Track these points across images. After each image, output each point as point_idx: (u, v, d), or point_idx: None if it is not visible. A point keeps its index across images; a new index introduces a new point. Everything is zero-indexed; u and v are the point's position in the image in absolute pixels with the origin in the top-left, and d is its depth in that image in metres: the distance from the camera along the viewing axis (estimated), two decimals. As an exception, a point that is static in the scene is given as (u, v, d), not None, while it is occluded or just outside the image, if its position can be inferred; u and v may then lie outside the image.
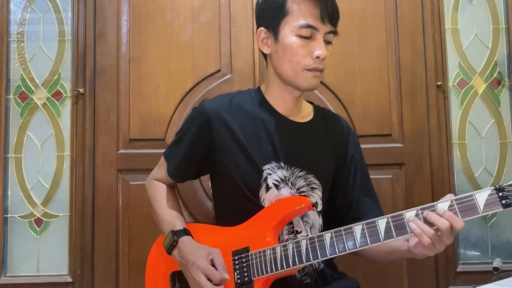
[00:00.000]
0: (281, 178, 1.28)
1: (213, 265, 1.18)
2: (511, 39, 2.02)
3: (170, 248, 1.26)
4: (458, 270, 1.93)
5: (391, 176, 1.93)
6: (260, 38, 1.29)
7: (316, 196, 1.31)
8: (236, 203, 1.30)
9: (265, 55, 1.34)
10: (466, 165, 1.99)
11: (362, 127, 1.94)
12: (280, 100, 1.32)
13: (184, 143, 1.35)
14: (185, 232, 1.28)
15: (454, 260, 1.93)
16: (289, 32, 1.22)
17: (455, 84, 2.02)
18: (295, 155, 1.30)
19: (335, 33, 1.25)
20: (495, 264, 1.83)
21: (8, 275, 1.91)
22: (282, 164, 1.28)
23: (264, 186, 1.27)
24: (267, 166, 1.27)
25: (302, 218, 1.29)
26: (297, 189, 1.29)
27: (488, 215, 1.95)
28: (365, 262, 1.86)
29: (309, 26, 1.20)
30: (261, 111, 1.32)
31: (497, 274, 1.80)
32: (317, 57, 1.21)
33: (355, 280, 1.39)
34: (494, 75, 2.02)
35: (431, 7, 2.00)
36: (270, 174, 1.27)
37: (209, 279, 1.16)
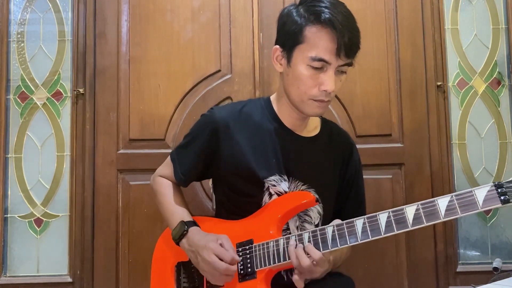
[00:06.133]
0: (284, 190, 1.30)
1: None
2: (511, 39, 2.02)
3: (180, 237, 1.27)
4: (458, 270, 1.93)
5: (391, 176, 1.93)
6: (275, 56, 1.29)
7: (315, 210, 1.33)
8: (238, 207, 1.32)
9: None
10: (466, 165, 1.99)
11: (362, 127, 1.94)
12: (288, 115, 1.34)
13: (192, 150, 1.37)
14: (194, 223, 1.31)
15: (454, 260, 1.93)
16: (301, 60, 1.21)
17: (455, 84, 2.02)
18: (298, 169, 1.31)
19: (350, 64, 1.23)
20: (495, 264, 1.84)
21: (8, 275, 1.91)
22: (285, 177, 1.30)
23: (266, 194, 1.29)
24: (271, 177, 1.29)
25: (297, 228, 1.31)
26: None
27: (489, 213, 1.97)
28: (365, 262, 1.87)
29: (321, 60, 1.18)
30: (269, 123, 1.34)
31: (497, 274, 1.80)
32: (324, 90, 1.21)
33: (350, 278, 1.40)
34: (494, 75, 2.02)
35: (431, 7, 2.00)
36: (274, 185, 1.29)
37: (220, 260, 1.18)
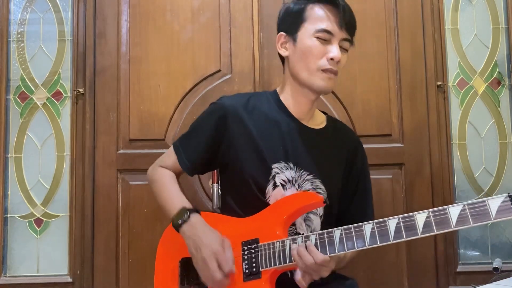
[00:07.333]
0: (288, 179, 1.30)
1: None
2: (511, 39, 2.02)
3: (180, 222, 1.25)
4: (458, 270, 1.93)
5: (391, 176, 1.93)
6: (280, 42, 1.35)
7: None
8: (243, 197, 1.32)
9: (282, 60, 1.39)
10: (466, 165, 1.99)
11: (362, 127, 1.94)
12: (295, 102, 1.35)
13: (200, 136, 1.36)
14: (197, 211, 1.28)
15: (454, 260, 1.93)
16: (306, 36, 1.28)
17: (455, 84, 2.02)
18: (304, 158, 1.32)
19: (351, 42, 1.31)
20: (495, 264, 1.84)
21: (8, 275, 1.91)
22: (291, 165, 1.30)
23: (271, 183, 1.29)
24: (276, 165, 1.29)
25: (305, 221, 1.31)
26: None
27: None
28: (366, 262, 1.87)
29: (325, 31, 1.26)
30: (276, 112, 1.35)
31: (497, 274, 1.80)
32: (331, 59, 1.26)
33: (354, 280, 1.40)
34: (494, 75, 2.02)
35: (431, 7, 2.00)
36: (278, 173, 1.29)
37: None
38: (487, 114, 2.01)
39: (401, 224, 1.09)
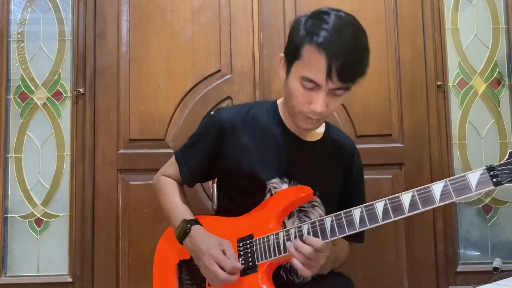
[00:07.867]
0: None
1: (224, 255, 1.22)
2: (511, 39, 2.02)
3: (183, 236, 1.29)
4: (458, 270, 1.93)
5: (391, 176, 1.93)
6: (281, 64, 1.30)
7: (316, 214, 1.34)
8: (239, 208, 1.33)
9: None
10: (466, 165, 1.99)
11: (362, 127, 1.94)
12: (291, 120, 1.34)
13: (198, 150, 1.38)
14: (197, 221, 1.32)
15: (454, 260, 1.93)
16: (295, 77, 1.21)
17: (455, 84, 2.02)
18: (299, 172, 1.33)
19: (346, 88, 1.21)
20: (495, 264, 1.84)
21: (8, 275, 1.91)
22: (286, 180, 1.31)
23: (268, 195, 1.30)
24: (273, 180, 1.31)
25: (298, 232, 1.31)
26: None
27: (489, 213, 1.97)
28: (365, 262, 1.87)
29: (311, 81, 1.18)
30: (273, 126, 1.35)
31: (497, 274, 1.80)
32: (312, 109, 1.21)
33: (350, 279, 1.42)
34: (494, 75, 2.02)
35: (431, 7, 2.00)
36: (275, 188, 1.30)
37: (221, 268, 1.20)
38: (487, 114, 2.01)
39: (388, 205, 1.12)
